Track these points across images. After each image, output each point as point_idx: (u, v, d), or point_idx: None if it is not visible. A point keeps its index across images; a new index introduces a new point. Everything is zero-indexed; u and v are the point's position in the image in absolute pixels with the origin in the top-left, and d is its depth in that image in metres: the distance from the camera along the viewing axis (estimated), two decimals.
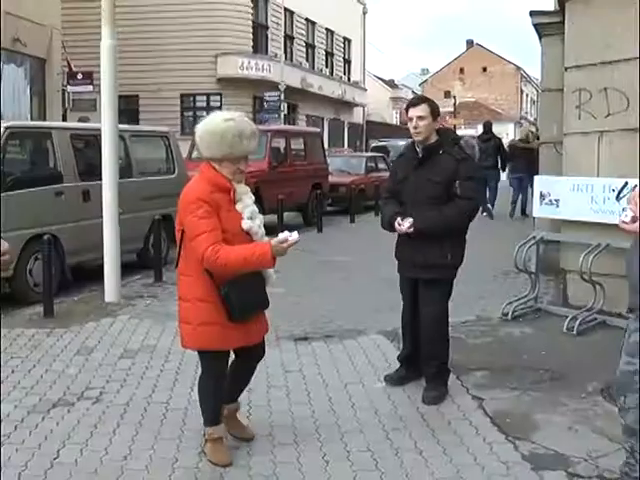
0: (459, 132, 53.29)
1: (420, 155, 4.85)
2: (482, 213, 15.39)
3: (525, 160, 15.54)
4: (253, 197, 3.94)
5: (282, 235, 3.70)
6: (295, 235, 3.67)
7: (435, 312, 4.92)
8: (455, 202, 4.73)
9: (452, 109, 56.42)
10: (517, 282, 8.63)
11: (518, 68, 74.64)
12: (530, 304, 7.38)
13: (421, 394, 4.90)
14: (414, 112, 4.77)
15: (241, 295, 3.77)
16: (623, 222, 3.00)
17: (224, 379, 4.04)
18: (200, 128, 3.85)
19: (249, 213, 3.85)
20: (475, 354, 5.94)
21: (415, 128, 4.75)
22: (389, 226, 4.91)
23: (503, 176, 17.77)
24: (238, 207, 3.84)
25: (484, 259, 10.29)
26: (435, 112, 4.79)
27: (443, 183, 4.73)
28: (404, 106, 5.02)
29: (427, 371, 5.00)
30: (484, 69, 73.74)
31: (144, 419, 4.63)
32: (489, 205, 16.47)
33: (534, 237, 7.49)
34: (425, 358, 5.01)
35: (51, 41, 19.55)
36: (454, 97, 57.89)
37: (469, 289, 8.48)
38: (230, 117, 3.80)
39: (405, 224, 4.75)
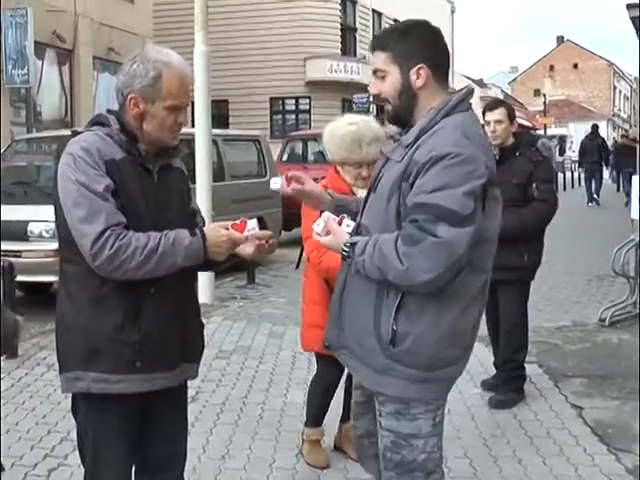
0: (549, 131, 52.24)
1: (497, 158, 4.81)
2: (588, 204, 19.16)
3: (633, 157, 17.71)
4: None
5: None
6: None
7: (514, 316, 4.91)
8: (532, 205, 4.72)
9: (542, 108, 55.26)
10: (614, 286, 8.38)
11: (611, 64, 72.49)
12: (629, 310, 7.15)
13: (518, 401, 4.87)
14: (492, 116, 4.79)
15: None
16: (317, 234, 2.52)
17: (333, 386, 4.01)
18: (325, 130, 3.80)
19: None
20: (572, 361, 5.80)
21: (493, 132, 4.77)
22: None
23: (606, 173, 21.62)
24: None
25: (578, 262, 10.05)
26: (512, 115, 4.83)
27: (521, 185, 4.73)
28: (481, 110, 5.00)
29: (500, 374, 5.01)
30: (575, 66, 71.93)
31: (240, 419, 4.71)
32: (595, 195, 19.44)
33: (633, 240, 7.27)
34: (500, 361, 5.02)
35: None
36: (544, 95, 56.65)
37: (563, 293, 8.32)
38: (354, 121, 3.68)
39: None
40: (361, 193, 3.63)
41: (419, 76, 2.39)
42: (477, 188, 2.23)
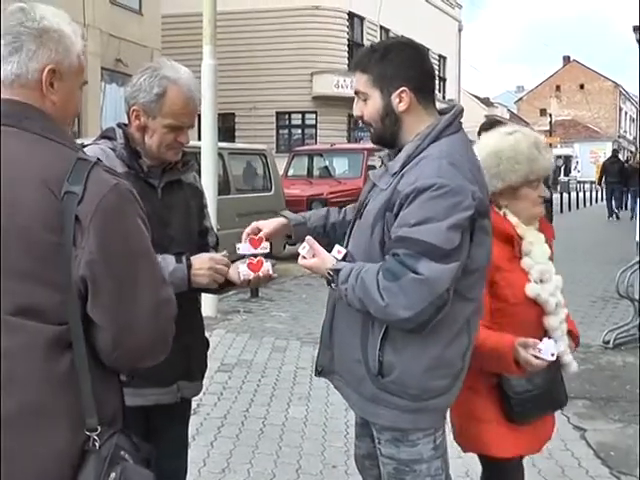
0: (555, 151, 52.29)
1: None
2: (608, 218, 21.78)
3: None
4: (548, 249, 2.80)
5: (537, 344, 2.51)
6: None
7: None
8: None
9: (548, 127, 55.35)
10: (618, 308, 8.36)
11: (617, 85, 72.74)
12: (633, 332, 7.11)
13: None
14: None
15: (522, 386, 2.68)
16: (303, 258, 2.39)
17: None
18: (482, 153, 2.67)
19: (538, 273, 2.72)
20: (575, 382, 5.76)
21: None
22: None
23: None
24: (524, 264, 2.71)
25: (582, 282, 10.02)
26: None
27: None
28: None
29: None
30: (581, 86, 72.18)
31: (241, 433, 4.70)
32: (616, 210, 22.36)
33: (637, 262, 7.26)
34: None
35: (151, 61, 20.21)
36: (550, 115, 56.77)
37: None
38: (511, 130, 2.82)
39: None
40: (531, 234, 2.76)
41: (401, 100, 2.29)
42: (463, 221, 2.14)
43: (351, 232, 2.45)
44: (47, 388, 1.54)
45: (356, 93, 2.39)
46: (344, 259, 2.35)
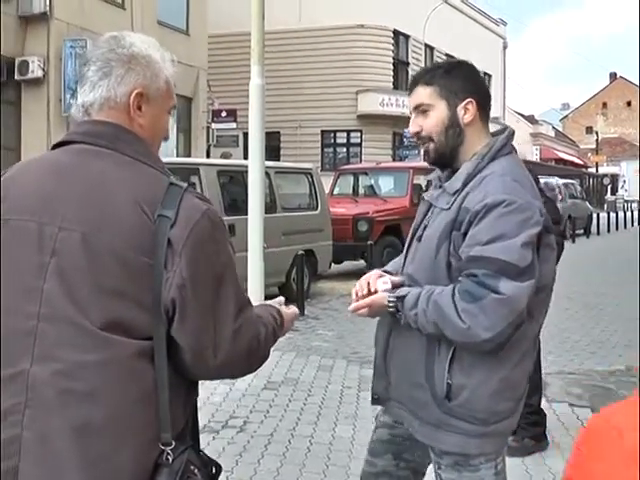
0: (601, 170, 51.62)
1: None
2: None
3: None
4: None
5: None
6: None
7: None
8: None
9: (594, 145, 54.74)
10: None
11: None
12: None
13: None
14: None
15: None
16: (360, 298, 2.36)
17: None
18: None
19: None
20: None
21: None
22: None
23: None
24: None
25: (629, 305, 9.85)
26: None
27: None
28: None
29: None
30: (628, 103, 71.23)
31: (288, 451, 4.70)
32: None
33: None
34: None
35: (197, 81, 20.53)
36: (596, 133, 56.16)
37: (615, 336, 8.16)
38: None
39: None
40: None
41: (467, 111, 2.30)
42: (533, 237, 2.12)
43: (407, 255, 2.42)
44: (130, 401, 1.58)
45: (416, 107, 2.37)
46: (400, 287, 2.32)
